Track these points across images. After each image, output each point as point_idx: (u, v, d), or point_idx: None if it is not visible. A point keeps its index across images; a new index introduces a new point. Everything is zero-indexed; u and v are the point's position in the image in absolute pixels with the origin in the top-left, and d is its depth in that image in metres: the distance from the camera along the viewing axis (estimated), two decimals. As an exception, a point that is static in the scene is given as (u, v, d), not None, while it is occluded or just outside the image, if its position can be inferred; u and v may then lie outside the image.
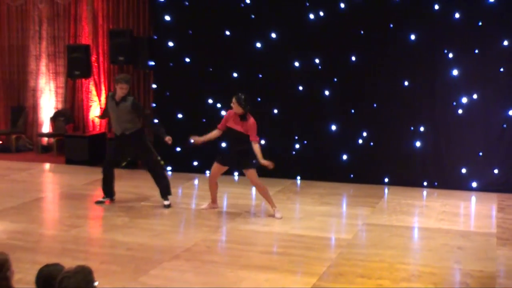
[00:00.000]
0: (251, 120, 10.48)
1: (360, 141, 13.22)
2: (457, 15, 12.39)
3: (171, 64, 14.34)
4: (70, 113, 16.83)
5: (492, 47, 12.34)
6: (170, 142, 11.29)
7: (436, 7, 12.48)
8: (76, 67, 15.84)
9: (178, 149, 14.20)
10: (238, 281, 7.57)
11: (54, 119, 16.96)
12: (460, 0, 12.44)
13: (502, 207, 11.45)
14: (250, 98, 10.57)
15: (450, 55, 12.51)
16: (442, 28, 12.53)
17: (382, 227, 10.05)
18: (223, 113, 11.77)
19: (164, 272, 7.89)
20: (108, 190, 11.46)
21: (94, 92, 16.37)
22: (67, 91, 17.02)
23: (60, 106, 17.13)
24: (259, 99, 13.58)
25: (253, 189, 12.64)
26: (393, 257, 8.50)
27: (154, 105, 14.83)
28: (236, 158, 10.63)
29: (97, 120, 16.05)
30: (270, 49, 13.59)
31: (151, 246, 9.00)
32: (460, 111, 12.57)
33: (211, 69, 13.94)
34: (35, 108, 17.40)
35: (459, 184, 12.62)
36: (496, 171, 12.54)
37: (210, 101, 13.86)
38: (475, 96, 12.50)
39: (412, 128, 12.87)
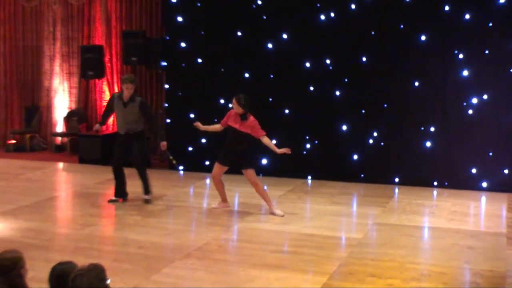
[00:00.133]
0: (251, 118, 10.56)
1: (371, 141, 13.25)
2: (467, 16, 12.41)
3: (184, 64, 14.41)
4: (84, 113, 16.94)
5: (502, 48, 12.34)
6: (164, 148, 11.53)
7: (447, 8, 12.50)
8: (89, 67, 15.95)
9: (190, 148, 14.28)
10: (249, 280, 7.59)
11: (67, 119, 17.07)
12: (470, 1, 12.46)
13: (512, 207, 11.48)
14: (250, 99, 10.61)
15: (460, 56, 12.53)
16: (452, 29, 12.54)
17: (393, 226, 10.08)
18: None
19: (176, 270, 7.93)
20: (121, 191, 11.57)
21: (107, 92, 16.47)
22: (80, 91, 17.13)
23: (73, 106, 17.24)
24: (270, 99, 13.66)
25: (264, 188, 12.71)
26: (403, 256, 8.51)
27: (166, 105, 14.91)
28: (235, 158, 10.67)
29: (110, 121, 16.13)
30: (281, 49, 13.64)
31: (163, 245, 9.05)
32: (470, 112, 12.59)
33: (223, 70, 14.00)
34: (49, 108, 17.53)
35: (469, 184, 12.63)
36: (506, 171, 12.54)
37: (222, 101, 13.92)
38: (485, 97, 12.50)
39: (422, 128, 12.89)
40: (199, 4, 14.22)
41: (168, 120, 14.70)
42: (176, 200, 11.80)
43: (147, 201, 11.48)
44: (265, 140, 10.63)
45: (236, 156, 10.64)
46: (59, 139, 17.41)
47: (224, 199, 11.18)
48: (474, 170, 12.64)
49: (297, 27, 13.52)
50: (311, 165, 13.64)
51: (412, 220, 10.49)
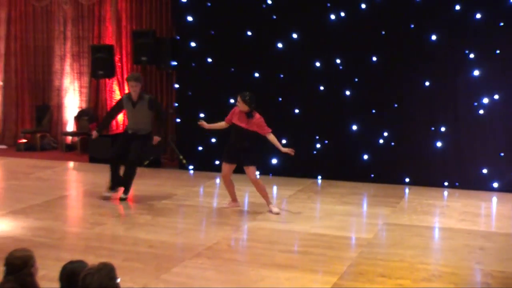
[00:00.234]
0: (257, 115, 10.57)
1: (381, 141, 13.24)
2: (478, 16, 12.38)
3: (193, 64, 14.44)
4: (94, 112, 16.98)
5: (514, 48, 12.34)
6: (155, 142, 11.62)
7: (457, 7, 12.47)
8: (100, 67, 15.99)
9: (200, 148, 14.30)
10: (259, 279, 7.58)
11: (78, 118, 17.11)
12: (481, 0, 12.42)
13: (523, 207, 11.45)
14: (255, 97, 10.63)
15: (471, 56, 12.50)
16: (463, 28, 12.51)
17: (403, 227, 10.05)
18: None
19: (186, 270, 7.93)
20: (115, 184, 11.64)
21: (117, 92, 16.52)
22: (91, 90, 17.18)
23: (84, 105, 17.29)
24: (280, 99, 13.67)
25: (274, 188, 12.76)
26: (413, 257, 8.48)
27: (176, 104, 14.93)
28: (239, 155, 10.68)
29: (120, 119, 16.18)
30: (291, 49, 13.64)
31: (173, 244, 9.05)
32: (481, 112, 12.55)
33: (233, 69, 14.01)
34: (59, 107, 17.58)
35: (480, 185, 12.60)
36: (517, 171, 12.54)
37: (232, 100, 13.91)
38: (496, 97, 12.48)
39: (433, 128, 12.86)
40: (209, 4, 14.23)
41: (178, 120, 14.73)
42: (186, 199, 11.80)
43: (122, 199, 11.55)
44: (271, 137, 10.65)
45: (239, 152, 10.65)
46: (69, 138, 17.46)
47: (234, 199, 11.18)
48: (485, 171, 12.61)
49: (307, 27, 13.52)
50: (321, 165, 13.63)
51: (422, 221, 10.47)
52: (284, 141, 13.56)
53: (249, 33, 13.90)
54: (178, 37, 14.79)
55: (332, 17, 13.31)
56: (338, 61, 13.35)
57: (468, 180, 12.69)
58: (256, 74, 13.88)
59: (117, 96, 16.28)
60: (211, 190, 12.82)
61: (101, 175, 13.62)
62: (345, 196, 12.13)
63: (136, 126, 11.41)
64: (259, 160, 11.07)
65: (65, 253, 8.13)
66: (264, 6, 13.75)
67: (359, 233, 9.90)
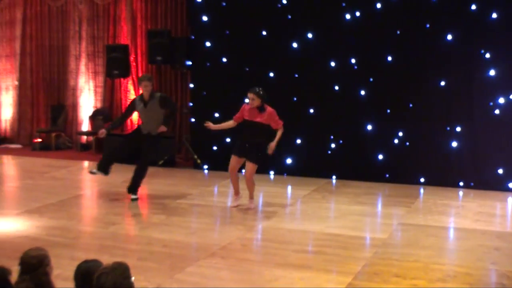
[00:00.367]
0: (269, 108, 10.65)
1: (396, 141, 13.20)
2: (494, 15, 12.32)
3: (208, 64, 14.45)
4: (109, 112, 17.02)
5: (530, 47, 12.28)
6: (159, 130, 11.56)
7: (473, 7, 12.42)
8: (115, 66, 16.04)
9: (215, 148, 14.31)
10: (273, 279, 7.58)
11: (93, 118, 17.17)
12: (497, 0, 12.37)
13: (539, 208, 11.40)
14: (264, 90, 10.73)
15: (487, 55, 12.44)
16: (479, 28, 12.45)
17: (418, 227, 10.02)
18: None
19: (200, 269, 7.93)
20: (105, 166, 11.71)
21: (132, 92, 16.55)
22: (106, 90, 17.23)
23: (99, 105, 17.34)
24: (295, 99, 13.66)
25: (289, 188, 12.78)
26: (428, 257, 8.45)
27: (191, 104, 14.95)
28: (248, 149, 10.73)
29: (135, 120, 16.22)
30: (306, 49, 13.63)
31: (187, 244, 9.06)
32: (497, 111, 12.49)
33: (247, 69, 14.01)
34: (74, 106, 17.65)
35: (496, 185, 12.54)
36: (533, 171, 12.48)
37: (247, 100, 13.87)
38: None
39: (448, 128, 12.82)
40: (224, 4, 14.24)
41: (193, 120, 14.74)
42: (200, 199, 11.81)
43: (134, 200, 11.59)
44: (280, 133, 10.70)
45: (250, 148, 10.69)
46: (84, 137, 17.52)
47: (237, 192, 11.25)
48: (500, 171, 12.55)
49: (322, 27, 13.50)
50: (335, 164, 13.61)
51: (437, 221, 10.43)
52: (298, 141, 13.63)
53: (264, 33, 13.90)
54: (193, 37, 14.80)
55: (348, 16, 13.29)
56: (353, 60, 13.33)
57: (483, 180, 12.64)
58: (271, 74, 13.87)
59: (132, 95, 16.30)
60: (225, 190, 12.81)
61: (116, 174, 13.63)
62: (359, 196, 12.10)
63: (149, 126, 11.47)
64: (264, 161, 11.11)
65: (79, 252, 8.17)
66: (279, 5, 13.75)
67: (373, 233, 9.88)
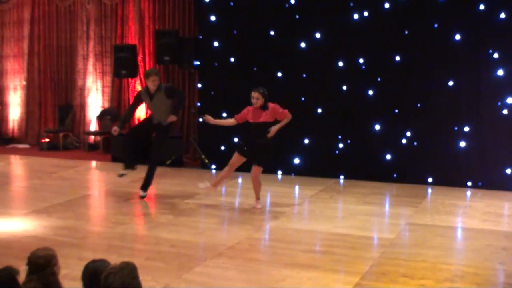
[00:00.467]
0: (271, 105, 10.69)
1: (404, 140, 13.18)
2: (502, 15, 12.29)
3: (216, 64, 14.45)
4: (116, 112, 17.04)
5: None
6: (169, 120, 11.50)
7: (481, 7, 12.38)
8: (122, 66, 16.06)
9: (223, 148, 14.31)
10: (281, 279, 7.57)
11: (100, 118, 17.20)
12: (505, 0, 12.34)
13: (547, 208, 11.36)
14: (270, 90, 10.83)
15: (495, 55, 12.41)
16: (487, 28, 12.43)
17: (425, 227, 10.00)
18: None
19: (208, 269, 7.93)
20: (131, 161, 11.72)
21: (140, 92, 16.56)
22: (113, 90, 17.25)
23: (106, 105, 17.37)
24: (303, 99, 13.66)
25: (296, 188, 12.77)
26: (436, 257, 8.43)
27: (199, 104, 14.95)
28: (255, 151, 10.75)
29: (142, 116, 16.24)
30: (314, 49, 13.62)
31: (195, 244, 9.07)
32: (505, 111, 12.45)
33: (255, 69, 14.01)
34: (82, 106, 17.69)
35: (503, 185, 12.50)
36: (541, 171, 12.44)
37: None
38: (520, 97, 12.42)
39: (456, 128, 12.79)
40: (232, 4, 14.25)
41: (201, 119, 14.73)
42: (208, 199, 11.80)
43: (142, 197, 11.65)
44: (286, 120, 10.76)
45: (256, 149, 10.71)
46: (92, 137, 17.56)
47: (215, 184, 11.43)
48: (508, 171, 12.52)
49: (330, 27, 13.50)
50: (343, 164, 13.60)
51: (445, 221, 10.41)
52: (306, 141, 13.62)
53: (272, 32, 13.90)
54: (201, 37, 14.81)
55: (355, 16, 13.27)
56: (361, 60, 13.31)
57: (491, 180, 12.61)
58: (279, 74, 13.87)
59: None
60: (233, 190, 12.84)
61: (124, 174, 13.69)
62: (367, 196, 12.09)
63: (159, 117, 11.50)
64: (269, 163, 11.16)
65: (87, 252, 8.18)
66: (287, 6, 13.75)
67: (381, 233, 9.87)
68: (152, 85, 11.36)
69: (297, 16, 13.70)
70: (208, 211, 11.02)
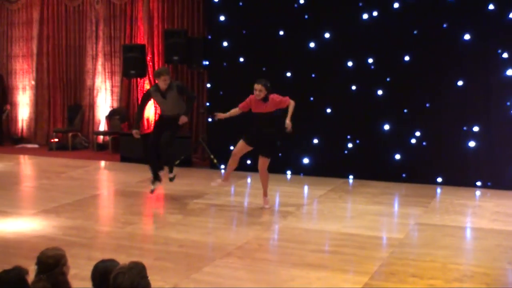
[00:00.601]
0: (271, 96, 10.68)
1: (413, 140, 13.15)
2: (511, 15, 12.26)
3: (225, 63, 14.46)
4: (126, 112, 17.06)
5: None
6: (181, 122, 11.61)
7: (491, 6, 12.35)
8: (131, 66, 16.05)
9: (232, 147, 14.29)
10: (290, 279, 7.58)
11: (109, 118, 17.21)
12: (515, -1, 12.33)
13: (556, 208, 11.31)
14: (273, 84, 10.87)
15: (505, 55, 12.38)
16: (496, 27, 12.39)
17: (435, 227, 9.98)
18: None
19: (216, 269, 7.94)
20: (158, 174, 11.75)
21: (149, 91, 16.57)
22: (122, 90, 17.26)
23: (115, 105, 17.38)
24: (312, 99, 13.65)
25: (305, 187, 12.76)
26: (445, 257, 8.43)
27: (208, 104, 14.96)
28: (262, 141, 10.76)
29: (151, 118, 16.26)
30: (323, 49, 13.61)
31: (203, 244, 9.08)
32: (514, 111, 12.46)
33: (264, 69, 13.97)
34: (91, 106, 17.71)
35: (513, 185, 12.50)
36: (551, 171, 12.40)
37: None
38: (529, 96, 12.38)
39: (465, 128, 12.76)
40: (241, 3, 14.25)
41: (210, 119, 14.75)
42: (217, 199, 11.81)
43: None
44: (291, 105, 10.73)
45: (262, 139, 10.72)
46: (101, 137, 17.57)
47: (226, 178, 11.42)
48: (517, 171, 12.51)
49: (340, 27, 13.48)
50: (352, 164, 13.59)
51: (454, 221, 10.39)
52: (315, 141, 13.60)
53: (281, 32, 13.89)
54: (210, 37, 14.82)
55: (365, 16, 13.26)
56: (370, 60, 13.30)
57: (500, 180, 12.58)
58: (288, 74, 13.86)
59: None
60: (242, 190, 12.84)
61: (133, 174, 13.74)
62: (376, 196, 12.08)
63: (173, 112, 11.53)
64: (276, 154, 11.20)
65: (96, 252, 8.20)
66: (296, 5, 13.73)
67: (390, 233, 9.86)
68: (163, 84, 11.37)
69: (306, 16, 13.69)
70: (217, 211, 11.02)
